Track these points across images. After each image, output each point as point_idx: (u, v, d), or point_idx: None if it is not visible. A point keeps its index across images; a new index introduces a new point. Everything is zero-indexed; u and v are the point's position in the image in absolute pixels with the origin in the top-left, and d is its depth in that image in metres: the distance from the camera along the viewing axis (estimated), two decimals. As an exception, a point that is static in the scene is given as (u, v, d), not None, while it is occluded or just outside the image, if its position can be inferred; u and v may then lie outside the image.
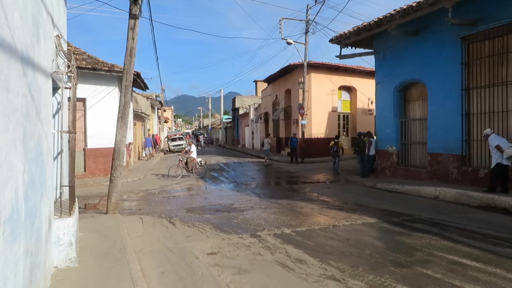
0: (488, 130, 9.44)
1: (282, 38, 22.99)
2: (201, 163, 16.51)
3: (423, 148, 12.36)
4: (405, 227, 6.97)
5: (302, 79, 23.05)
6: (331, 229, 7.00)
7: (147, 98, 31.57)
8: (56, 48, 5.13)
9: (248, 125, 41.77)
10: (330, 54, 28.65)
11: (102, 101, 15.63)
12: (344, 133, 25.76)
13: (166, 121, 59.04)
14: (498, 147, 8.94)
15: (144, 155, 27.10)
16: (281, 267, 5.02)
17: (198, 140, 45.40)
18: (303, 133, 22.83)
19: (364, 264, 5.01)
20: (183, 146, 37.80)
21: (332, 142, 16.92)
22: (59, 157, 5.69)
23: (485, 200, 8.81)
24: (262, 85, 39.84)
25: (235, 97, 53.57)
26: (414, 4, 10.61)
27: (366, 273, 4.69)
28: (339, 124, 25.47)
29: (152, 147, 28.06)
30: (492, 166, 9.15)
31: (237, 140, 49.70)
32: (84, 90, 14.52)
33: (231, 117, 58.89)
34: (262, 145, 23.14)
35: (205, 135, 69.62)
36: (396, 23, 11.55)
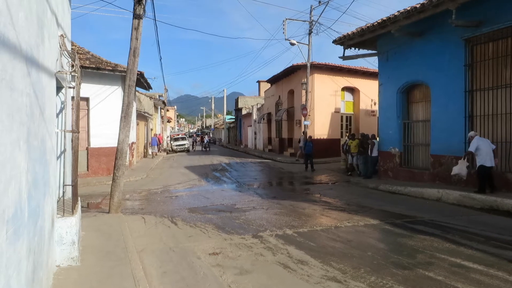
0: (471, 133, 9.73)
1: (286, 39, 23.00)
2: None
3: (426, 150, 12.32)
4: (407, 229, 6.96)
5: (305, 79, 23.05)
6: (333, 230, 7.00)
7: (150, 97, 31.63)
8: (60, 47, 5.16)
9: (251, 126, 41.79)
10: (333, 55, 28.62)
11: (105, 101, 15.68)
12: (347, 134, 25.72)
13: (169, 121, 59.15)
14: (470, 154, 9.49)
15: (150, 152, 29.02)
16: (282, 268, 5.02)
17: (202, 141, 43.40)
18: (305, 133, 22.81)
19: (366, 266, 5.00)
20: (186, 146, 37.86)
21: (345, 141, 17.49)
22: (62, 156, 5.72)
23: (488, 203, 8.78)
24: (265, 86, 39.87)
25: (238, 97, 53.58)
26: (418, 6, 10.59)
27: (368, 274, 4.69)
28: (342, 125, 25.43)
29: (157, 146, 29.83)
30: (476, 168, 9.47)
31: (240, 140, 49.73)
32: (88, 89, 14.56)
33: (234, 117, 58.90)
34: (299, 141, 23.38)
35: (210, 135, 67.70)
36: (400, 24, 11.53)
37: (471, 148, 9.32)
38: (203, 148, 41.23)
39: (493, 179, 9.40)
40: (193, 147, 42.34)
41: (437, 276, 4.57)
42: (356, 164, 15.68)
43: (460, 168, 9.41)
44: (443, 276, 4.57)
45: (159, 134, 36.97)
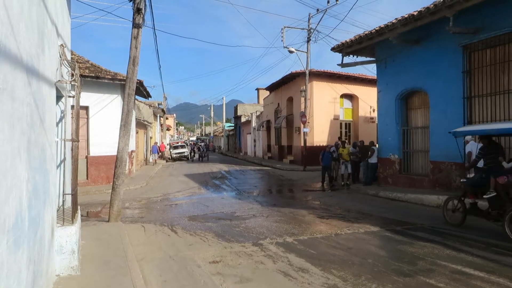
0: (468, 137, 9.86)
1: (284, 47, 23.09)
2: None
3: (425, 156, 12.33)
4: (408, 236, 6.95)
5: (304, 87, 23.12)
6: (333, 237, 6.98)
7: (150, 106, 31.74)
8: (60, 57, 5.19)
9: (250, 133, 41.83)
10: (332, 62, 28.76)
11: (105, 109, 15.69)
12: (346, 141, 25.74)
13: (168, 129, 59.18)
14: (468, 154, 9.55)
15: (151, 159, 29.94)
16: (283, 276, 5.00)
17: (199, 149, 38.08)
18: (305, 141, 22.83)
19: (367, 273, 4.99)
20: (185, 154, 37.81)
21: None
22: (62, 165, 5.72)
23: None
24: (264, 93, 39.96)
25: (237, 105, 53.72)
26: (415, 13, 10.67)
27: (368, 282, 4.67)
28: (341, 132, 25.46)
29: (157, 153, 30.51)
30: None
31: (239, 148, 49.74)
32: (87, 98, 14.59)
33: (233, 125, 58.96)
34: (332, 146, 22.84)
35: (207, 142, 60.01)
36: (398, 31, 11.60)
37: (471, 150, 9.46)
38: (199, 158, 36.47)
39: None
40: (191, 157, 37.67)
41: (438, 283, 4.56)
42: (348, 173, 15.10)
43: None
44: (444, 283, 4.55)
45: (162, 143, 37.38)
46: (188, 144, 42.62)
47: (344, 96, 25.86)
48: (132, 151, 19.66)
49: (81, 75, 11.58)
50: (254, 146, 39.67)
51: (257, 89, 52.81)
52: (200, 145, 39.08)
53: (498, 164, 7.36)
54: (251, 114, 42.11)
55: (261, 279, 4.91)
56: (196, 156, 38.24)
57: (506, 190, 6.86)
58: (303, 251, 6.11)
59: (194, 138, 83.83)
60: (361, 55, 15.19)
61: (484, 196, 7.31)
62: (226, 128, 62.48)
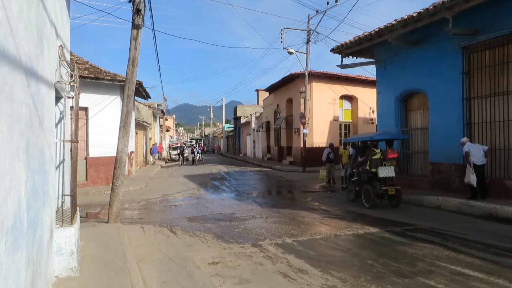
0: (464, 139, 9.93)
1: (284, 48, 23.08)
2: None
3: (425, 157, 12.33)
4: (407, 237, 6.94)
5: (304, 88, 23.13)
6: (332, 238, 6.98)
7: (149, 107, 31.69)
8: (59, 58, 5.19)
9: (250, 134, 41.84)
10: (331, 63, 28.78)
11: (104, 110, 15.68)
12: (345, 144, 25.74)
13: (168, 130, 59.17)
14: (465, 154, 9.57)
15: (151, 160, 30.91)
16: (282, 277, 5.00)
17: (192, 152, 32.10)
18: (304, 142, 22.83)
19: (366, 274, 4.98)
20: (185, 155, 37.68)
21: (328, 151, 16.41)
22: (61, 166, 5.71)
23: (487, 210, 8.78)
24: (264, 94, 39.99)
25: (236, 106, 53.73)
26: (414, 14, 10.68)
27: (368, 283, 4.67)
28: (340, 133, 25.49)
29: (157, 153, 31.18)
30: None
31: (239, 149, 49.74)
32: (87, 99, 14.58)
33: (232, 126, 58.99)
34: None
35: (202, 144, 52.65)
36: (397, 33, 11.61)
37: (468, 150, 9.51)
38: (193, 162, 30.89)
39: (484, 182, 9.52)
40: (181, 161, 32.01)
41: (437, 284, 4.55)
42: (346, 175, 14.14)
43: (467, 177, 9.46)
44: (444, 284, 4.55)
45: (160, 144, 37.40)
46: (179, 146, 34.98)
47: (344, 97, 25.88)
48: (131, 152, 19.65)
49: (81, 76, 11.58)
50: (254, 147, 39.68)
51: (257, 90, 52.87)
52: (194, 147, 33.39)
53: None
54: (251, 115, 42.13)
55: (260, 280, 4.91)
56: (190, 158, 32.97)
57: (361, 175, 10.64)
58: (302, 252, 6.10)
59: (188, 140, 78.73)
60: (361, 56, 15.21)
61: (352, 179, 11.35)
62: (225, 129, 62.52)
